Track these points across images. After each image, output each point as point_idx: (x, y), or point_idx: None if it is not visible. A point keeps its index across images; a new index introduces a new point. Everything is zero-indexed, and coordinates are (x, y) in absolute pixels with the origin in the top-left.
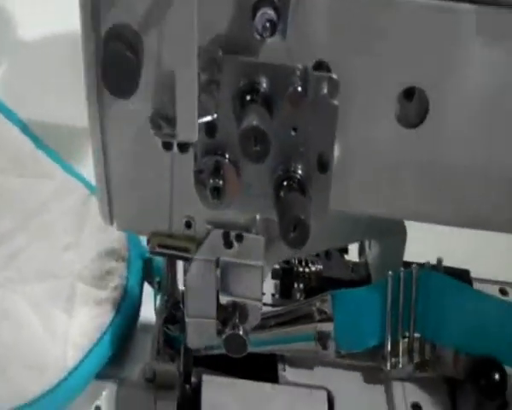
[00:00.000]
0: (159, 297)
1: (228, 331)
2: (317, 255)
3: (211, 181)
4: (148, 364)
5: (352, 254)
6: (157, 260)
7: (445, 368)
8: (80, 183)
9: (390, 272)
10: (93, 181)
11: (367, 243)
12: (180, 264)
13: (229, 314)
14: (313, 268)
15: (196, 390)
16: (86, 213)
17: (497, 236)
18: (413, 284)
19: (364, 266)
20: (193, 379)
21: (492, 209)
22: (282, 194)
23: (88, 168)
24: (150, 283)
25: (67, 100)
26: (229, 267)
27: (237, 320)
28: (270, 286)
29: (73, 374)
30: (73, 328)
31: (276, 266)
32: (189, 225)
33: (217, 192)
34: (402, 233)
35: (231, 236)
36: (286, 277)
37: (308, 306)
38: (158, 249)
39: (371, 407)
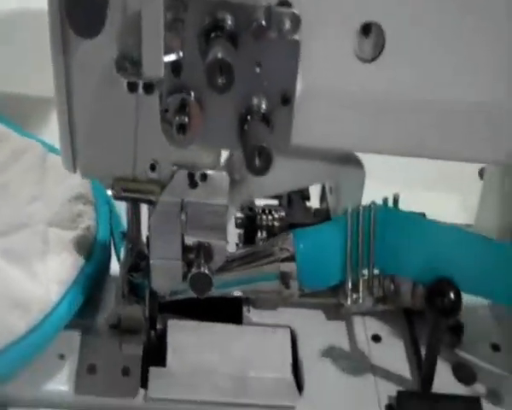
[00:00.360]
0: (123, 249)
1: (193, 271)
2: (280, 204)
3: (176, 118)
4: (112, 309)
5: (314, 200)
6: (115, 211)
7: (403, 300)
8: (36, 142)
9: (349, 209)
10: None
11: (328, 188)
12: (144, 213)
13: (194, 255)
14: (276, 215)
15: (162, 335)
16: (46, 167)
17: (451, 182)
18: (372, 219)
19: (326, 211)
20: (158, 325)
21: (445, 139)
22: (246, 127)
23: (45, 136)
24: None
25: (23, 70)
26: (194, 208)
27: (203, 261)
28: (233, 236)
29: (58, 309)
30: (52, 269)
31: (240, 215)
32: (153, 167)
33: (182, 129)
34: (360, 174)
35: (196, 176)
36: (249, 225)
37: (270, 246)
38: (122, 194)
39: (333, 341)
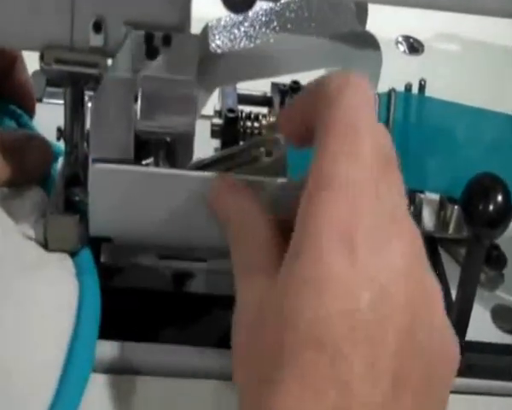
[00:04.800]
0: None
1: None
2: (270, 105)
3: None
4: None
5: None
6: None
7: (426, 226)
8: None
9: None
10: None
11: None
12: None
13: (151, 154)
14: (264, 121)
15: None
16: None
17: None
18: (391, 110)
19: None
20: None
21: None
22: None
23: None
24: None
25: None
26: (152, 86)
27: (161, 162)
28: (209, 148)
29: None
30: None
31: (217, 121)
32: (98, 27)
33: None
34: (376, 56)
35: (156, 39)
36: (228, 134)
37: (254, 147)
38: (55, 66)
39: None
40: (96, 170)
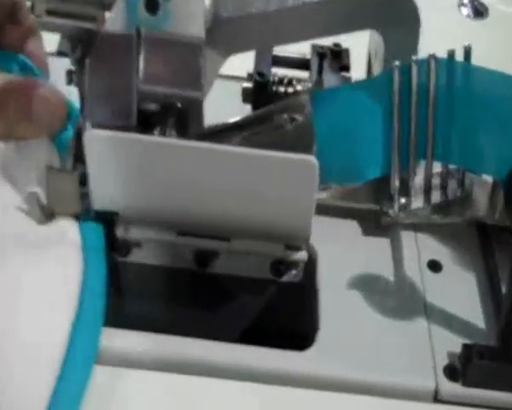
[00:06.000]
0: None
1: None
2: (308, 69)
3: None
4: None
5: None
6: None
7: (476, 211)
8: None
9: (396, 62)
10: None
11: (373, 52)
12: None
13: (157, 121)
14: (298, 86)
15: None
16: None
17: None
18: (431, 78)
19: None
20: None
21: None
22: None
23: None
24: None
25: None
26: (153, 43)
27: (168, 129)
28: (241, 113)
29: None
30: None
31: (247, 85)
32: None
33: None
34: (414, 21)
35: None
36: (260, 99)
37: (278, 113)
38: (46, 18)
39: (369, 268)
40: (91, 136)
